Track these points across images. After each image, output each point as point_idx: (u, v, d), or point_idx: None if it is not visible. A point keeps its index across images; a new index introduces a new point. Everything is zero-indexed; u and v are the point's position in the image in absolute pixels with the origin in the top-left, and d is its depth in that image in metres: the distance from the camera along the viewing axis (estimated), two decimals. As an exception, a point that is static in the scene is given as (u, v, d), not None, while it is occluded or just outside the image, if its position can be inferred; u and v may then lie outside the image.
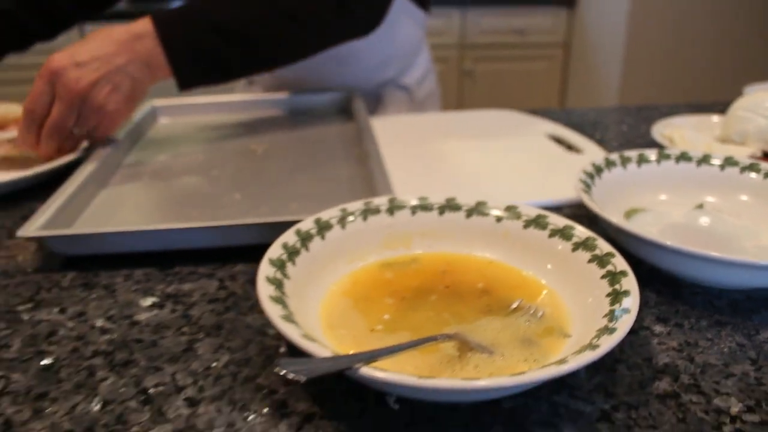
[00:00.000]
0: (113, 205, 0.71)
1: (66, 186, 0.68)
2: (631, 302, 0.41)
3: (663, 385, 0.43)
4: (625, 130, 1.01)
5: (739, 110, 0.86)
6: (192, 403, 0.42)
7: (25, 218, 0.71)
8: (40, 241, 0.64)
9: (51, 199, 0.65)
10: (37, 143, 0.80)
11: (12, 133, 0.86)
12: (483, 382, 0.34)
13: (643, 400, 0.41)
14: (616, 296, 0.43)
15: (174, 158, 0.84)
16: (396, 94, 1.23)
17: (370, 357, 0.36)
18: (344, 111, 1.04)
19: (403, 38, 1.19)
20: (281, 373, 0.34)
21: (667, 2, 2.71)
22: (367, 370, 0.35)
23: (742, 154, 0.81)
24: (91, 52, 0.78)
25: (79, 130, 0.80)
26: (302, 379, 0.33)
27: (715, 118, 0.94)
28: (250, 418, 0.40)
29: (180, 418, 0.40)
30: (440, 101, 1.37)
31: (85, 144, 0.85)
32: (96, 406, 0.42)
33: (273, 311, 0.40)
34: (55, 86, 0.77)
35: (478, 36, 3.10)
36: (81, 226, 0.65)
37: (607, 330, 0.39)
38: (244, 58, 0.85)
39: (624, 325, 0.39)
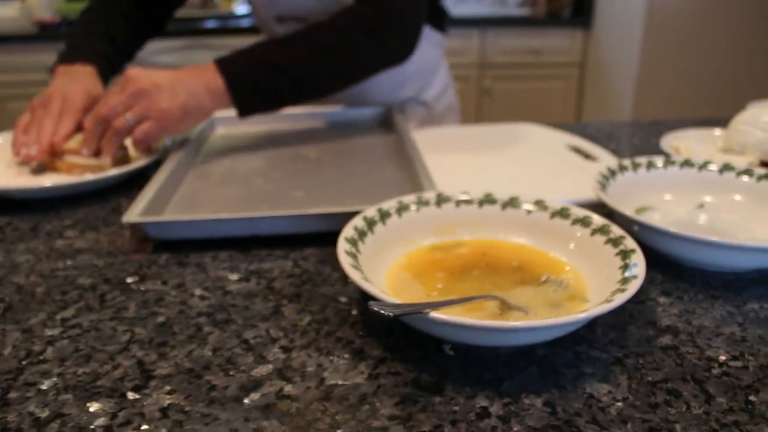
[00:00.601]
0: (192, 200, 0.82)
1: (152, 183, 0.79)
2: (639, 270, 0.52)
3: (665, 340, 0.53)
4: (637, 143, 1.12)
5: (740, 124, 0.96)
6: (286, 350, 0.52)
7: (114, 210, 0.82)
8: (136, 227, 0.75)
9: (143, 193, 0.76)
10: (98, 148, 0.92)
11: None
12: (525, 323, 0.45)
13: (648, 351, 0.52)
14: (626, 267, 0.53)
15: (237, 163, 0.95)
16: (416, 109, 1.34)
17: (436, 305, 0.47)
18: (383, 123, 1.14)
19: (421, 60, 1.30)
20: (374, 309, 0.44)
21: (679, 25, 2.82)
22: (437, 315, 0.45)
23: (742, 162, 0.91)
24: (163, 71, 0.91)
25: (128, 117, 0.89)
26: (390, 315, 0.44)
27: (718, 132, 1.05)
28: (335, 360, 0.51)
29: (278, 361, 0.51)
30: (459, 114, 1.48)
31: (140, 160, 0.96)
32: (208, 352, 0.53)
33: (354, 275, 0.50)
34: (125, 85, 0.90)
35: (496, 56, 3.22)
36: (169, 216, 0.76)
37: (620, 290, 0.49)
38: (293, 89, 0.97)
39: (632, 286, 0.49)
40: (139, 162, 0.92)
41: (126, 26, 1.17)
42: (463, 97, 3.22)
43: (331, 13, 0.99)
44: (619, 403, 0.46)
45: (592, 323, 0.55)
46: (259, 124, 1.14)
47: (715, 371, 0.49)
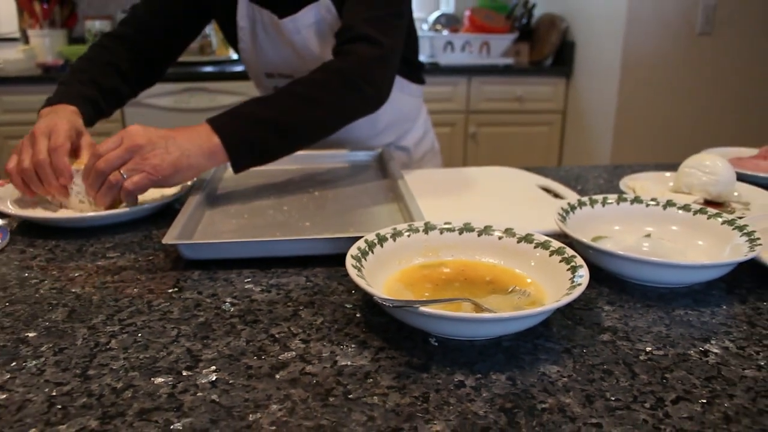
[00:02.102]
0: (214, 228, 0.95)
1: (181, 213, 0.93)
2: (583, 279, 0.66)
3: (605, 336, 0.67)
4: (601, 183, 1.27)
5: (686, 168, 1.11)
6: (305, 341, 0.66)
7: (146, 237, 0.96)
8: (170, 248, 0.89)
9: (175, 222, 0.90)
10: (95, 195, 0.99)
11: None
12: (491, 315, 0.59)
13: (591, 343, 0.66)
14: (574, 278, 0.67)
15: (249, 198, 1.09)
16: (396, 153, 1.49)
17: (424, 303, 0.61)
18: (377, 164, 1.29)
19: (398, 109, 1.46)
20: (379, 301, 0.58)
21: (652, 75, 3.01)
22: (425, 309, 0.59)
23: (689, 201, 1.06)
24: (159, 129, 1.00)
25: (122, 171, 0.96)
26: (390, 305, 0.58)
27: (668, 174, 1.20)
28: (344, 349, 0.65)
29: (299, 349, 0.65)
30: (440, 157, 1.63)
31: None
32: (242, 343, 0.66)
33: (360, 282, 0.64)
34: (122, 139, 0.96)
35: (482, 103, 3.40)
36: (201, 239, 0.90)
37: (567, 294, 0.63)
38: (282, 142, 1.08)
39: (576, 291, 0.63)
40: (165, 199, 1.06)
41: (116, 74, 1.27)
42: (451, 142, 3.40)
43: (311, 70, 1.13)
44: (565, 379, 0.59)
45: (549, 323, 0.69)
46: (267, 165, 1.28)
47: (642, 357, 0.63)
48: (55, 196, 1.04)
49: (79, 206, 1.03)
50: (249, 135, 1.05)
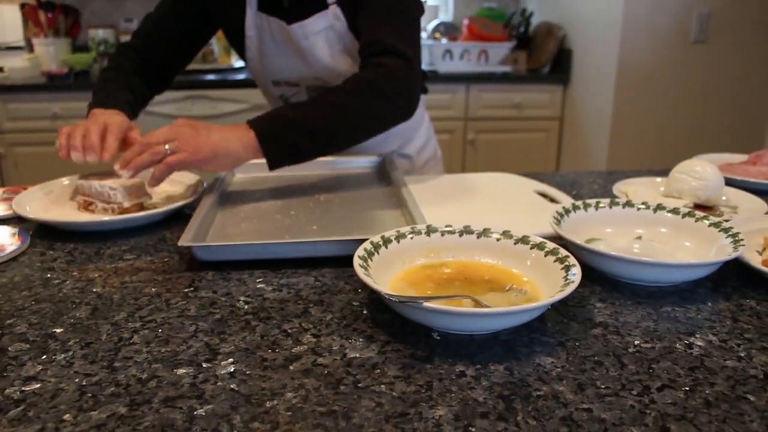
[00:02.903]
0: (225, 232, 1.00)
1: (194, 218, 0.98)
2: (576, 277, 0.70)
3: (597, 330, 0.72)
4: (596, 188, 1.32)
5: (677, 173, 1.16)
6: (316, 336, 0.71)
7: (161, 240, 1.01)
8: (185, 251, 0.93)
9: (189, 226, 0.94)
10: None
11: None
12: (488, 310, 0.63)
13: (584, 337, 0.70)
14: (568, 277, 0.72)
15: (257, 203, 1.14)
16: (399, 161, 1.54)
17: (427, 299, 0.65)
18: (381, 170, 1.34)
19: None
20: (386, 297, 0.63)
21: (647, 82, 3.07)
22: (428, 304, 0.64)
23: (680, 205, 1.11)
24: (205, 125, 1.10)
25: (166, 148, 1.04)
26: (396, 300, 0.62)
27: (659, 179, 1.25)
28: (353, 342, 0.69)
29: (311, 343, 0.69)
30: (442, 164, 1.68)
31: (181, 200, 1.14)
32: (257, 338, 0.71)
33: (367, 280, 0.69)
34: (170, 128, 1.07)
35: (480, 110, 3.45)
36: (215, 241, 0.95)
37: (561, 291, 0.68)
38: (314, 144, 1.14)
39: (569, 288, 0.68)
40: (178, 203, 1.10)
41: (140, 82, 1.36)
42: (450, 148, 3.45)
43: (342, 79, 1.19)
44: (559, 369, 0.64)
45: (544, 318, 0.74)
46: (275, 172, 1.33)
47: (631, 350, 0.68)
48: (88, 159, 1.10)
49: (101, 210, 1.11)
50: (282, 134, 1.11)
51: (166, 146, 1.04)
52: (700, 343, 0.69)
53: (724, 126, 3.22)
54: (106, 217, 1.04)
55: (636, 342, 0.70)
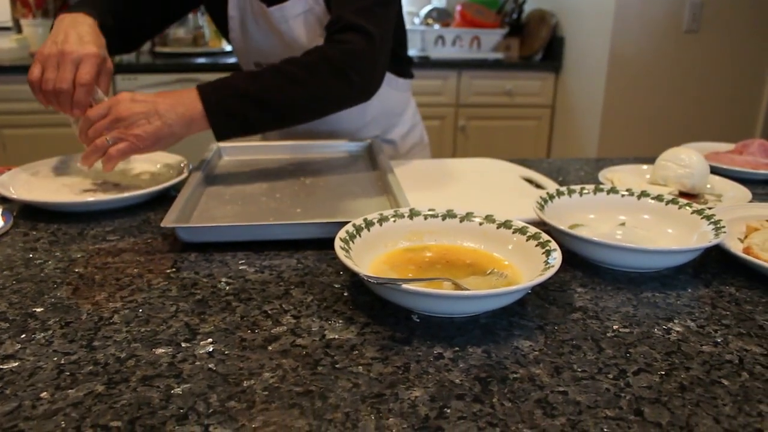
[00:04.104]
0: (209, 214, 1.00)
1: (178, 199, 0.97)
2: (556, 261, 0.71)
3: (576, 315, 0.72)
4: (582, 175, 1.32)
5: (662, 161, 1.16)
6: (295, 317, 0.71)
7: (144, 221, 1.00)
8: (168, 232, 0.93)
9: (172, 207, 0.94)
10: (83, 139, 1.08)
11: None
12: (465, 292, 0.64)
13: (562, 321, 0.71)
14: (548, 261, 0.72)
15: (243, 186, 1.14)
16: (384, 146, 1.53)
17: (407, 281, 0.66)
18: (367, 154, 1.34)
19: (385, 103, 1.49)
20: (364, 278, 0.63)
21: (638, 70, 3.07)
22: (407, 286, 0.64)
23: (665, 192, 1.11)
24: (146, 97, 1.07)
25: (107, 137, 1.04)
26: (374, 282, 0.63)
27: (645, 166, 1.25)
28: (332, 324, 0.69)
29: (290, 324, 0.69)
30: (429, 150, 1.67)
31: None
32: (237, 318, 0.71)
33: (347, 261, 0.69)
34: (110, 109, 1.05)
35: (471, 97, 3.45)
36: (198, 222, 0.94)
37: (540, 275, 0.68)
38: (264, 118, 1.12)
39: (548, 272, 0.68)
40: (162, 185, 1.10)
41: (128, 8, 1.32)
42: (441, 135, 3.45)
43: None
44: (536, 352, 0.64)
45: (524, 303, 0.74)
46: (260, 154, 1.33)
47: (609, 334, 0.68)
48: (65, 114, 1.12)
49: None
50: (232, 106, 1.10)
51: (108, 138, 1.05)
52: (678, 329, 0.70)
53: (715, 115, 3.23)
54: (90, 198, 1.04)
55: (615, 327, 0.70)
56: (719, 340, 0.67)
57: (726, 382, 0.60)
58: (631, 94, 3.11)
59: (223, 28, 1.43)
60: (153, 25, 1.44)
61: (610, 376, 0.61)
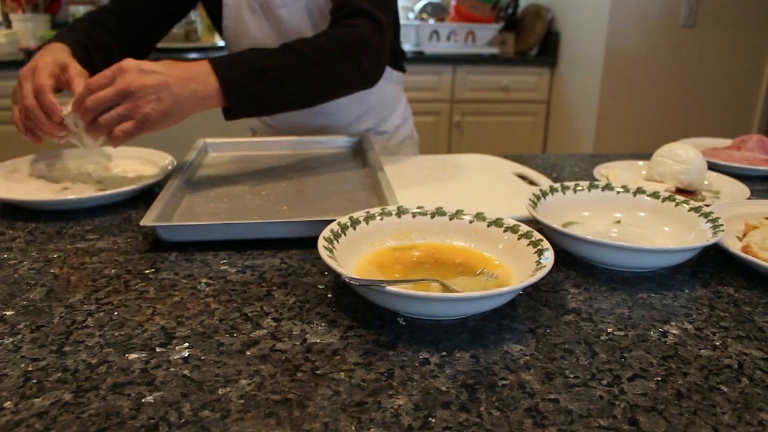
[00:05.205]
0: (192, 212, 0.96)
1: (160, 197, 0.94)
2: (548, 262, 0.68)
3: (569, 317, 0.69)
4: (577, 171, 1.29)
5: (659, 156, 1.14)
6: (276, 320, 0.68)
7: (126, 220, 0.97)
8: (149, 231, 0.90)
9: (153, 205, 0.91)
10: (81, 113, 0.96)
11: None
12: (450, 294, 0.61)
13: (555, 324, 0.68)
14: (540, 261, 0.69)
15: (228, 183, 1.11)
16: (375, 139, 1.50)
17: (391, 282, 0.63)
18: (356, 150, 1.31)
19: (381, 95, 1.47)
20: (345, 279, 0.60)
21: (634, 66, 3.04)
22: (391, 288, 0.61)
23: (661, 188, 1.08)
24: (155, 67, 0.96)
25: (113, 115, 0.94)
26: (356, 284, 0.60)
27: (641, 162, 1.22)
28: (314, 327, 0.66)
29: (271, 327, 0.66)
30: (417, 145, 1.64)
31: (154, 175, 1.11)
32: (216, 321, 0.68)
33: (332, 263, 0.66)
34: (115, 78, 0.94)
35: (467, 92, 3.42)
36: (179, 220, 0.91)
37: (531, 276, 0.65)
38: (278, 96, 1.06)
39: (540, 272, 0.65)
40: (145, 182, 1.07)
41: (106, 34, 1.27)
42: (436, 131, 3.42)
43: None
44: (527, 357, 0.61)
45: (515, 304, 0.71)
46: (248, 150, 1.29)
47: (603, 338, 0.65)
48: (57, 135, 1.02)
49: (91, 139, 1.00)
50: (248, 84, 1.03)
51: (113, 115, 0.95)
52: (674, 331, 0.67)
53: (713, 111, 3.20)
54: (71, 196, 1.01)
55: (609, 329, 0.67)
56: (718, 344, 0.65)
57: (725, 389, 0.57)
58: (628, 89, 3.08)
59: (216, 19, 1.39)
60: (158, 29, 1.41)
61: (604, 382, 0.58)
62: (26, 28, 3.30)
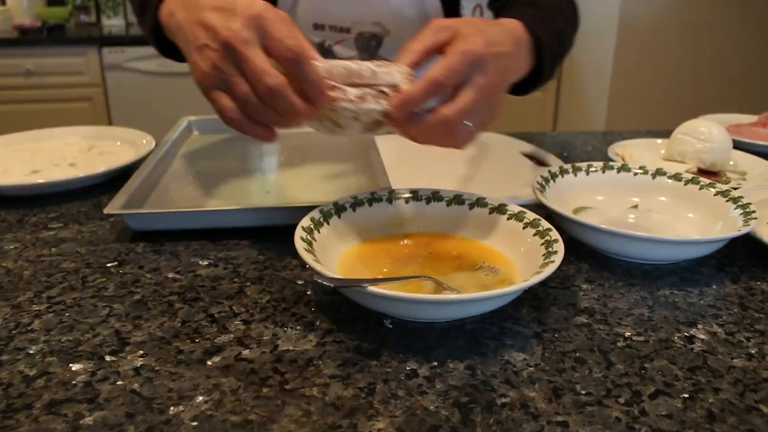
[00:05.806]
0: (167, 197, 0.88)
1: (132, 180, 0.86)
2: (557, 257, 0.59)
3: (581, 318, 0.61)
4: (589, 150, 1.20)
5: (679, 134, 1.04)
6: (246, 322, 0.59)
7: (95, 206, 0.89)
8: (117, 219, 0.82)
9: (123, 189, 0.83)
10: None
11: None
12: (453, 297, 0.52)
13: (564, 327, 0.59)
14: (548, 254, 0.61)
15: (211, 164, 1.02)
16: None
17: (374, 281, 0.54)
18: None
19: None
20: (318, 280, 0.52)
21: (648, 40, 2.92)
22: (373, 288, 0.52)
23: (682, 169, 0.99)
24: (498, 37, 0.68)
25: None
26: (331, 285, 0.51)
27: (659, 141, 1.13)
28: (288, 331, 0.58)
29: (239, 331, 0.58)
30: None
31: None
32: (177, 324, 0.59)
33: (308, 258, 0.58)
34: (473, 73, 0.63)
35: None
36: (146, 208, 0.83)
37: (537, 273, 0.57)
38: (555, 62, 0.87)
39: (548, 269, 0.56)
40: (122, 162, 0.98)
41: None
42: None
43: (408, 29, 0.95)
44: (531, 368, 0.53)
45: (519, 303, 0.63)
46: (234, 131, 1.20)
47: (620, 344, 0.57)
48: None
49: (352, 123, 0.68)
50: (552, 51, 0.82)
51: (469, 122, 0.65)
52: (702, 336, 0.58)
53: (734, 84, 3.07)
54: (39, 180, 0.92)
55: (626, 334, 0.58)
56: (753, 351, 0.56)
57: (765, 409, 0.49)
58: (642, 61, 2.96)
59: None
60: None
61: (621, 400, 0.49)
62: (21, 5, 3.21)
